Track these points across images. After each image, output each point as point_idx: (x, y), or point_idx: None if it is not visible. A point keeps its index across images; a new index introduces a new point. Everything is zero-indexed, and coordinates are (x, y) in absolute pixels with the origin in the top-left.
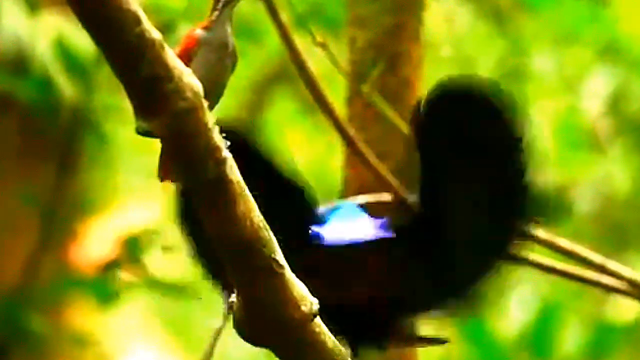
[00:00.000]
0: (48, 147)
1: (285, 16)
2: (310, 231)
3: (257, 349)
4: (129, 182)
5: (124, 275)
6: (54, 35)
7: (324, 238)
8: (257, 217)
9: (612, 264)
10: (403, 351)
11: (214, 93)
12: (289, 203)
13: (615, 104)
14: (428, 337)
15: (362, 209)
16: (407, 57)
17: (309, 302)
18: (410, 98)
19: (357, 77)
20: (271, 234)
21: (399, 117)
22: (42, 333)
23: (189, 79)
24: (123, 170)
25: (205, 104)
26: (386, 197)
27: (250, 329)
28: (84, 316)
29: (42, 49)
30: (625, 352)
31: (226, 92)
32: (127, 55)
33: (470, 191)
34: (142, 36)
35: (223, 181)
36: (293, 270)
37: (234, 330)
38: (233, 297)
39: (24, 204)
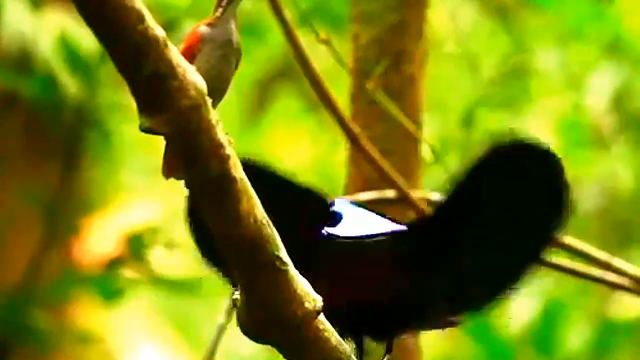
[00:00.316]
0: (52, 144)
1: (289, 13)
2: (322, 231)
3: (260, 346)
4: (133, 179)
5: (128, 273)
6: (58, 32)
7: (336, 234)
8: (261, 214)
9: (616, 261)
10: (407, 347)
11: (218, 90)
12: (300, 206)
13: (620, 101)
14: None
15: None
16: (411, 54)
17: (312, 299)
18: (414, 95)
19: (360, 74)
20: (274, 231)
21: (403, 115)
22: (46, 330)
23: (193, 76)
24: (127, 168)
25: (209, 101)
26: (390, 194)
27: (254, 325)
28: (87, 313)
29: (46, 47)
30: (629, 349)
31: (230, 89)
32: (131, 52)
33: (498, 229)
34: (145, 34)
35: (226, 178)
36: (304, 270)
37: (237, 327)
38: (236, 294)
39: (27, 201)
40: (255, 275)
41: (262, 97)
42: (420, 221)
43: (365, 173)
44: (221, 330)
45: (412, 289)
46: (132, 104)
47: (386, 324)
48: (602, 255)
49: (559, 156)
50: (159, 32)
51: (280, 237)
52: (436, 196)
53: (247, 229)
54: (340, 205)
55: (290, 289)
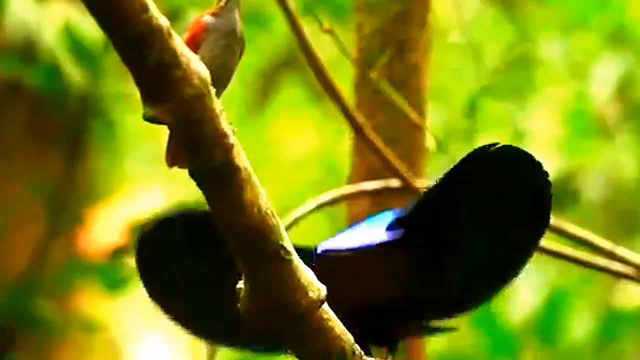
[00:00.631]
0: (56, 134)
1: (292, 3)
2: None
3: None
4: (137, 168)
5: (132, 262)
6: (62, 22)
7: (328, 248)
8: (265, 203)
9: (621, 250)
10: (411, 339)
11: (222, 79)
12: None
13: (624, 90)
14: (436, 327)
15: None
16: (415, 43)
17: (316, 288)
18: (418, 84)
19: (364, 63)
20: (279, 220)
21: (407, 104)
22: (51, 319)
23: (197, 65)
24: (131, 157)
25: (213, 90)
26: (394, 183)
27: (257, 315)
28: (92, 303)
29: (50, 36)
30: (634, 338)
31: (234, 78)
32: (135, 42)
33: (489, 220)
34: (149, 23)
35: (230, 168)
36: None
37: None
38: (240, 284)
39: (31, 191)
40: (259, 264)
41: (266, 86)
42: (406, 220)
43: (369, 162)
44: None
45: (409, 293)
46: (136, 93)
47: (387, 330)
48: (606, 244)
49: (540, 161)
50: (162, 21)
51: None
52: None
53: (251, 219)
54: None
55: (294, 278)
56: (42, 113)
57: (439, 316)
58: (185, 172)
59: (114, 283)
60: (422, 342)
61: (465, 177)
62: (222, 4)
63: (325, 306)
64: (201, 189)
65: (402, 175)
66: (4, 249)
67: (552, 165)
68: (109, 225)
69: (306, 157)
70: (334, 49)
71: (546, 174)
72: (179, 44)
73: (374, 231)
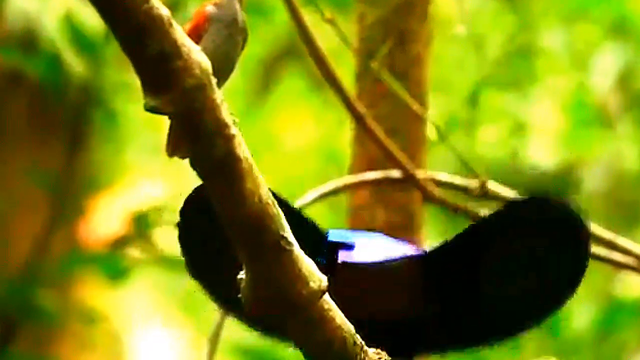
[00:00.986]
0: (57, 124)
1: None
2: (337, 253)
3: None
4: (138, 158)
5: (133, 252)
6: (63, 12)
7: (352, 258)
8: (266, 193)
9: (622, 241)
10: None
11: (224, 70)
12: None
13: (625, 81)
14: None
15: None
16: (417, 33)
17: (317, 278)
18: (419, 75)
19: (366, 54)
20: (280, 210)
21: (408, 94)
22: (52, 310)
23: (198, 56)
24: (132, 147)
25: (214, 81)
26: (395, 173)
27: (258, 305)
28: (93, 293)
29: (51, 26)
30: (635, 328)
31: (236, 69)
32: (136, 32)
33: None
34: (150, 13)
35: (231, 158)
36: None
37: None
38: (241, 274)
39: (32, 181)
40: (260, 255)
41: (267, 76)
42: (436, 248)
43: (370, 152)
44: (221, 323)
45: (428, 311)
46: (137, 83)
47: (404, 345)
48: (607, 234)
49: (583, 217)
50: (163, 11)
51: None
52: (442, 176)
53: (252, 209)
54: (338, 234)
55: (295, 268)
56: (43, 103)
57: (458, 343)
58: (186, 162)
59: (115, 273)
60: None
61: (498, 226)
62: None
63: (326, 296)
64: (202, 179)
65: (403, 166)
66: (5, 240)
67: (553, 155)
68: (110, 215)
69: (307, 147)
70: (335, 39)
71: (587, 231)
72: (180, 34)
73: (397, 245)
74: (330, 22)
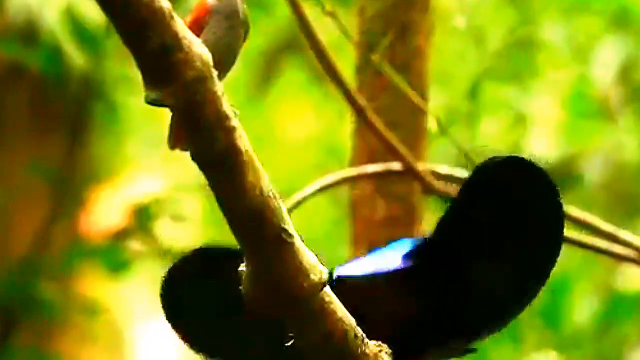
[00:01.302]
0: (58, 116)
1: None
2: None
3: None
4: (139, 151)
5: (134, 245)
6: (64, 4)
7: (342, 273)
8: (267, 186)
9: (622, 233)
10: None
11: (225, 62)
12: None
13: (626, 73)
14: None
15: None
16: (417, 26)
17: (318, 271)
18: (420, 67)
19: (366, 46)
20: (281, 203)
21: (409, 87)
22: (53, 302)
23: (199, 48)
24: (133, 140)
25: (215, 73)
26: (395, 166)
27: (259, 298)
28: (94, 285)
29: (52, 19)
30: (636, 321)
31: (237, 61)
32: (136, 25)
33: (502, 246)
34: (151, 5)
35: (232, 150)
36: None
37: None
38: (242, 267)
39: (34, 174)
40: (261, 247)
41: (268, 69)
42: (423, 247)
43: (370, 145)
44: None
45: (425, 318)
46: (138, 75)
47: (406, 355)
48: (608, 227)
49: (547, 171)
50: (164, 3)
51: None
52: (442, 169)
53: (253, 201)
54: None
55: (296, 261)
56: (43, 96)
57: (457, 340)
58: (187, 154)
59: (115, 266)
60: None
61: (474, 191)
62: None
63: (327, 289)
64: (203, 172)
65: (404, 158)
66: (6, 232)
67: (554, 148)
68: (110, 208)
69: (308, 140)
70: (336, 31)
71: (556, 190)
72: (180, 26)
73: (389, 257)
74: (331, 14)
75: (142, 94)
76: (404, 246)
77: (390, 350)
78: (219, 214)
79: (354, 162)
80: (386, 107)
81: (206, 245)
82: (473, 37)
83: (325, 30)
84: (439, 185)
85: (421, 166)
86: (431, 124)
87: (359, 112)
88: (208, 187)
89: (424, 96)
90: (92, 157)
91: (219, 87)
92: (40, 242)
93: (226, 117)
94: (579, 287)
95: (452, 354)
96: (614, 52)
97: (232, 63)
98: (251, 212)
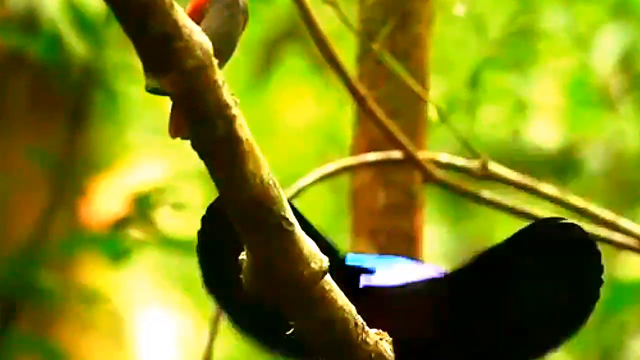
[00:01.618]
0: (58, 105)
1: None
2: (359, 278)
3: None
4: (139, 139)
5: (134, 233)
6: None
7: (374, 282)
8: (267, 175)
9: (623, 221)
10: None
11: (225, 50)
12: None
13: (627, 62)
14: None
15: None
16: (418, 14)
17: (319, 259)
18: (420, 56)
19: (367, 35)
20: (281, 191)
21: (410, 75)
22: (53, 290)
23: (199, 37)
24: (133, 128)
25: (215, 61)
26: (396, 154)
27: (260, 286)
28: (94, 274)
29: (52, 7)
30: (636, 309)
31: (237, 49)
32: (137, 13)
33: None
34: None
35: (232, 138)
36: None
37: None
38: (242, 255)
39: (34, 162)
40: (261, 236)
41: (268, 57)
42: (457, 269)
43: (371, 134)
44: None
45: (450, 332)
46: (139, 64)
47: None
48: (608, 215)
49: (598, 248)
50: None
51: None
52: (443, 157)
53: (253, 190)
54: (356, 258)
55: (296, 249)
56: (44, 84)
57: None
58: (188, 142)
59: (116, 254)
60: None
61: (517, 251)
62: None
63: (328, 277)
64: (203, 160)
65: (404, 147)
66: (6, 221)
67: (555, 136)
68: (111, 195)
69: (308, 129)
70: (336, 20)
71: (601, 265)
72: (181, 15)
73: (417, 267)
74: (331, 3)
75: (143, 82)
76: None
77: (391, 339)
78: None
79: (355, 151)
80: (386, 96)
81: None
82: (473, 26)
83: (325, 18)
84: (440, 173)
85: (422, 155)
86: (432, 113)
87: (359, 100)
88: (208, 176)
89: (424, 85)
90: (92, 145)
91: (220, 75)
92: (40, 231)
93: (227, 106)
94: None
95: None
96: (614, 40)
97: (232, 51)
98: (252, 201)
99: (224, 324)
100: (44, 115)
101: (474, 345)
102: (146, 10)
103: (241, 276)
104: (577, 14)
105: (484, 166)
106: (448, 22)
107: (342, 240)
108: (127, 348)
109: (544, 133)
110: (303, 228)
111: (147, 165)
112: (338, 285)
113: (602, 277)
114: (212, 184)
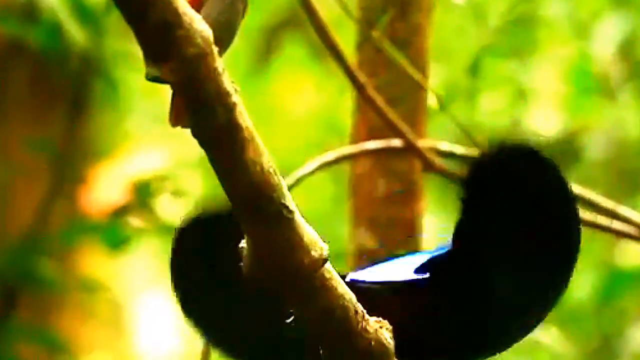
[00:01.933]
0: (58, 93)
1: None
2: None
3: None
4: (140, 127)
5: (134, 221)
6: None
7: (356, 279)
8: (267, 162)
9: (623, 210)
10: None
11: (225, 38)
12: None
13: (627, 50)
14: None
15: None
16: (417, 2)
17: (319, 247)
18: (420, 44)
19: (367, 22)
20: (281, 179)
21: (409, 63)
22: (53, 279)
23: (199, 25)
24: (133, 116)
25: (215, 50)
26: (396, 142)
27: (260, 274)
28: (94, 262)
29: None
30: (635, 297)
31: (236, 37)
32: (138, 1)
33: (517, 245)
34: None
35: (233, 126)
36: None
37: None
38: (242, 242)
39: (34, 150)
40: (261, 224)
41: (268, 45)
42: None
43: (371, 122)
44: None
45: (438, 333)
46: (139, 52)
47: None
48: (608, 203)
49: (555, 162)
50: None
51: None
52: (443, 145)
53: (253, 178)
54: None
55: (296, 237)
56: (44, 73)
57: (473, 354)
58: (188, 130)
59: (116, 242)
60: None
61: (484, 185)
62: None
63: (328, 265)
64: (203, 148)
65: (404, 135)
66: (6, 209)
67: (555, 124)
68: (111, 183)
69: (308, 117)
70: (336, 7)
71: (569, 187)
72: (181, 2)
73: (403, 267)
74: None
75: (143, 70)
76: (420, 257)
77: (391, 327)
78: (220, 190)
79: (354, 139)
80: (386, 84)
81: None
82: (473, 13)
83: (325, 6)
84: (440, 162)
85: (421, 143)
86: (431, 101)
87: (359, 88)
88: (208, 163)
89: (424, 73)
90: (92, 133)
91: (220, 63)
92: (40, 219)
93: (227, 94)
94: (579, 263)
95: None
96: (614, 28)
97: (232, 39)
98: (252, 189)
99: None
100: (44, 104)
101: (460, 335)
102: None
103: (241, 264)
104: (577, 1)
105: None
106: (448, 9)
107: (342, 229)
108: (126, 336)
109: (544, 121)
110: None
111: (147, 154)
112: None
113: (576, 212)
114: (212, 171)
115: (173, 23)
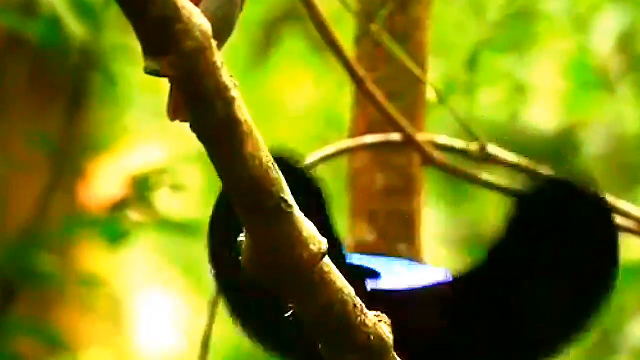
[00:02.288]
0: (57, 87)
1: None
2: (365, 281)
3: None
4: (138, 121)
5: (133, 215)
6: None
7: (380, 286)
8: (266, 157)
9: (622, 204)
10: None
11: (224, 32)
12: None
13: (626, 43)
14: None
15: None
16: None
17: (318, 241)
18: (419, 38)
19: (366, 16)
20: (280, 173)
21: (409, 57)
22: (52, 273)
23: (198, 19)
24: (132, 110)
25: (214, 44)
26: (395, 137)
27: (258, 268)
28: (93, 256)
29: None
30: (635, 291)
31: (235, 30)
32: None
33: (553, 276)
34: None
35: (232, 121)
36: None
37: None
38: (241, 236)
39: (33, 145)
40: (260, 218)
41: (267, 39)
42: (467, 271)
43: (370, 116)
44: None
45: (460, 335)
46: (138, 46)
47: None
48: (607, 197)
49: (606, 199)
50: None
51: None
52: (442, 139)
53: (252, 172)
54: (358, 259)
55: (295, 231)
56: (43, 67)
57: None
58: (187, 125)
59: (114, 236)
60: None
61: (527, 214)
62: None
63: (327, 259)
64: (202, 142)
65: (403, 129)
66: (5, 204)
67: (554, 118)
68: (110, 178)
69: (307, 111)
70: (335, 1)
71: (608, 210)
72: None
73: (429, 271)
74: None
75: (142, 64)
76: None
77: (389, 321)
78: (219, 184)
79: (353, 133)
80: (386, 78)
81: None
82: (472, 7)
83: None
84: (439, 156)
85: (421, 137)
86: (431, 95)
87: (358, 82)
88: (207, 158)
89: (423, 67)
90: (91, 128)
91: (219, 57)
92: (39, 214)
93: (226, 88)
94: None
95: None
96: (613, 22)
97: (230, 33)
98: (251, 183)
99: (223, 306)
100: (43, 98)
101: (484, 347)
102: None
103: (240, 258)
104: None
105: (483, 148)
106: (447, 3)
107: (341, 223)
108: (125, 331)
109: (543, 115)
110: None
111: (146, 148)
112: None
113: (615, 230)
114: (211, 166)
115: (172, 17)
